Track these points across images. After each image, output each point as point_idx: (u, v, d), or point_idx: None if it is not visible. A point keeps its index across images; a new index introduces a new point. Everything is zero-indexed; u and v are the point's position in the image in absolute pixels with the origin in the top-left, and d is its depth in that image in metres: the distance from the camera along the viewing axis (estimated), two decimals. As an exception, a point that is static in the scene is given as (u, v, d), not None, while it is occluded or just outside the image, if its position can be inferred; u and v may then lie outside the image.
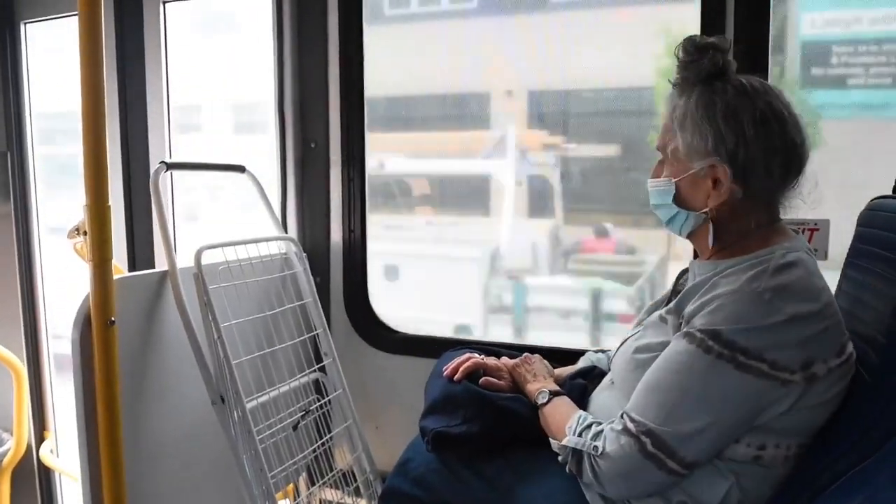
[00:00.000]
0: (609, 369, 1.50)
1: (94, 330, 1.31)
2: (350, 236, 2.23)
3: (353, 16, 2.14)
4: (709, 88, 1.23)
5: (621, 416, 1.20)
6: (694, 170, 1.24)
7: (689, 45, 1.26)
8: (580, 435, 1.23)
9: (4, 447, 2.61)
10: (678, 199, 1.28)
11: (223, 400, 1.59)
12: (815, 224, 1.56)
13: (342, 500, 2.04)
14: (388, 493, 1.49)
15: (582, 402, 1.40)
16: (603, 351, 1.66)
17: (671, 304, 1.28)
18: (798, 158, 1.22)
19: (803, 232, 1.58)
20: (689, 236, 1.33)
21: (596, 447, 1.19)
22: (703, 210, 1.26)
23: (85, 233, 1.24)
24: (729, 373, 1.09)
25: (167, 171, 1.65)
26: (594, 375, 1.53)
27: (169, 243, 1.56)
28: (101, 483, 1.39)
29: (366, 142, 2.20)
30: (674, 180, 1.28)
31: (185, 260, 1.65)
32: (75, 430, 1.42)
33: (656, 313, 1.34)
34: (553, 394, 1.38)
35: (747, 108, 1.20)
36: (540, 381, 1.46)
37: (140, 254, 2.28)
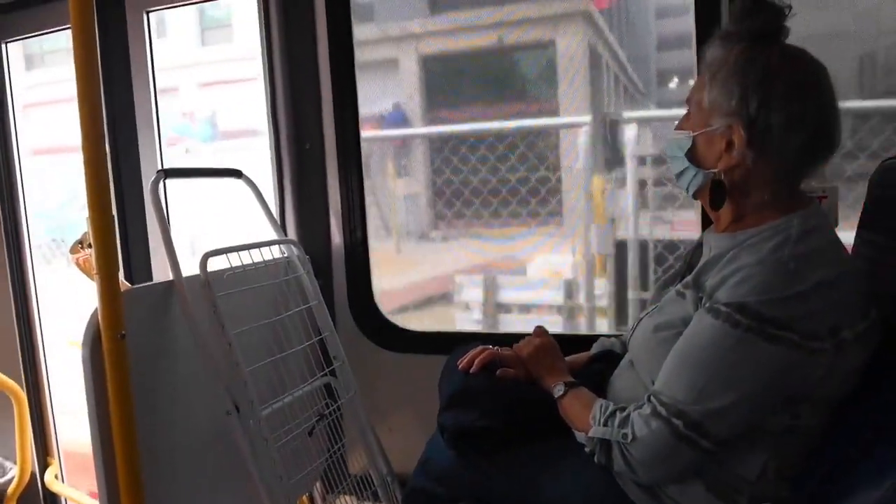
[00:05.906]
0: (623, 352, 1.48)
1: (105, 345, 1.28)
2: (351, 237, 2.20)
3: (342, 14, 2.11)
4: (754, 47, 1.18)
5: (649, 400, 1.16)
6: (711, 127, 1.20)
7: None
8: (605, 424, 1.20)
9: (8, 476, 2.56)
10: (692, 154, 1.24)
11: (238, 409, 1.56)
12: (824, 191, 1.55)
13: (359, 506, 2.01)
14: (412, 493, 1.47)
15: (601, 387, 1.38)
16: (615, 336, 1.64)
17: (688, 279, 1.25)
18: (826, 139, 1.16)
19: None
20: (696, 196, 1.29)
21: (625, 434, 1.16)
22: (712, 170, 1.22)
23: (90, 245, 1.21)
24: (758, 346, 1.07)
25: (165, 178, 1.61)
26: (610, 359, 1.51)
27: (172, 252, 1.52)
28: (119, 499, 1.36)
29: (360, 139, 2.17)
30: (692, 134, 1.24)
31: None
32: (90, 449, 1.38)
33: (672, 289, 1.31)
34: (568, 385, 1.35)
35: (785, 74, 1.14)
36: (555, 374, 1.41)
37: (136, 265, 2.23)
